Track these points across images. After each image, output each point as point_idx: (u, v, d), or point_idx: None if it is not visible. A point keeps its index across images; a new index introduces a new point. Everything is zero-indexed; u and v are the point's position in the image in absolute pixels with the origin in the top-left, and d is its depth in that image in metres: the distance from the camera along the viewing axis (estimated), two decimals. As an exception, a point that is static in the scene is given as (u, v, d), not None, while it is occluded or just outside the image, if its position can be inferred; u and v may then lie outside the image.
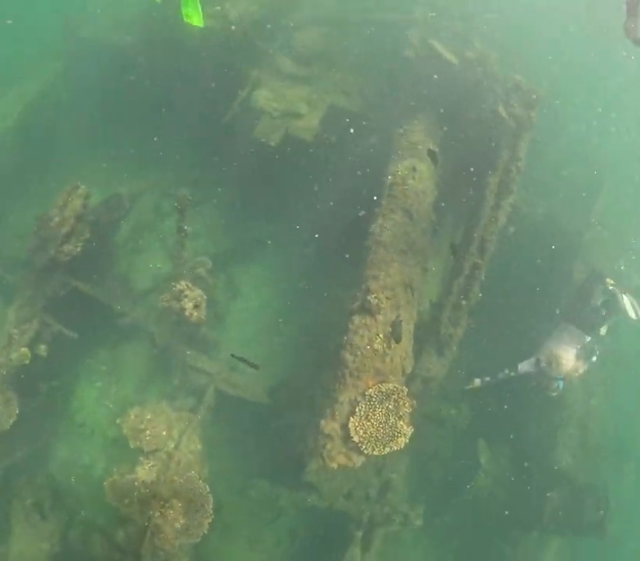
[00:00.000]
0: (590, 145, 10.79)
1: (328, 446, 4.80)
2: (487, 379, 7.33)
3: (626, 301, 7.57)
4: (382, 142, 7.57)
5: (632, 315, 7.57)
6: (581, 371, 7.40)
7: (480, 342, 8.34)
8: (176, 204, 6.31)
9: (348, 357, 5.08)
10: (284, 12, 9.07)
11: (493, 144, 6.60)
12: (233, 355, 5.33)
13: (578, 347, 7.35)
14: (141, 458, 5.76)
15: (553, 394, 7.25)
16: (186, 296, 6.39)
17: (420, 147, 6.91)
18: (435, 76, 7.17)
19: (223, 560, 7.22)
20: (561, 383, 7.19)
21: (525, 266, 8.81)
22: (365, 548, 7.14)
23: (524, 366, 7.28)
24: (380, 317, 5.40)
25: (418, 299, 6.32)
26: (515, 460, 9.01)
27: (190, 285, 6.55)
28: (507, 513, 8.75)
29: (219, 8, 7.97)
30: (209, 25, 6.93)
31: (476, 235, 6.73)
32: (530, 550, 9.44)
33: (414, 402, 5.20)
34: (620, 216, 10.64)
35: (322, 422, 4.81)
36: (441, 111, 7.34)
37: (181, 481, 5.45)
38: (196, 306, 6.45)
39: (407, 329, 5.70)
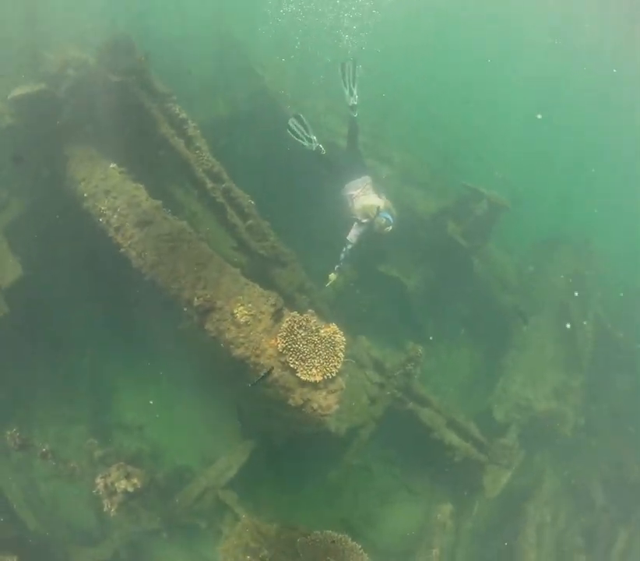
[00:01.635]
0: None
1: (315, 406, 4.95)
2: (337, 266, 7.46)
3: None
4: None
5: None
6: (388, 200, 7.78)
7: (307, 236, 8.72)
8: (15, 448, 6.03)
9: (239, 351, 5.12)
10: None
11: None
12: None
13: (369, 189, 7.69)
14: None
15: (389, 228, 7.45)
16: (113, 483, 5.96)
17: (97, 171, 6.71)
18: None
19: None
20: (388, 217, 7.43)
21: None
22: (426, 404, 7.85)
23: (351, 234, 7.46)
24: (218, 302, 5.39)
25: (223, 258, 6.24)
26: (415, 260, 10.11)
27: (103, 474, 6.09)
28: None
29: None
30: None
31: (200, 173, 6.75)
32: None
33: (309, 310, 5.38)
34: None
35: (290, 402, 4.94)
36: (85, 129, 7.09)
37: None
38: (128, 476, 6.06)
39: (242, 282, 5.72)
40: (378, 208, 7.37)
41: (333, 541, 5.29)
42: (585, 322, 10.63)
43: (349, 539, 5.32)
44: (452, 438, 7.75)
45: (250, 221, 7.04)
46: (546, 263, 12.13)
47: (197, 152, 6.87)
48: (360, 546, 5.28)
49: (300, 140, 7.62)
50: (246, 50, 10.98)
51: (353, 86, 7.66)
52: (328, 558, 5.17)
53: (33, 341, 7.30)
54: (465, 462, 7.85)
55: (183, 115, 6.97)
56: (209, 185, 6.80)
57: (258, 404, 6.14)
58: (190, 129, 7.00)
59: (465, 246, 9.87)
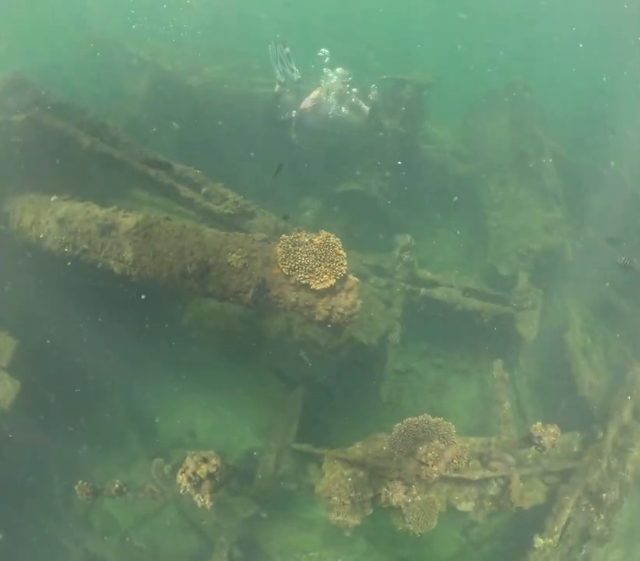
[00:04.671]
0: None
1: (341, 309, 5.06)
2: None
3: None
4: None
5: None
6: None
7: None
8: (88, 498, 6.12)
9: (250, 295, 5.22)
10: None
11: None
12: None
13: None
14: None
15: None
16: (194, 473, 5.71)
17: (42, 210, 6.70)
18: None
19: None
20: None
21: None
22: (436, 284, 8.33)
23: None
24: (211, 259, 5.47)
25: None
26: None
27: (181, 470, 5.84)
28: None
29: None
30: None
31: (138, 165, 6.92)
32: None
33: (295, 228, 5.26)
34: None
35: (317, 317, 5.10)
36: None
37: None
38: (205, 461, 5.81)
39: (223, 235, 5.82)
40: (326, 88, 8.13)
41: (417, 425, 5.31)
42: (544, 160, 10.93)
43: (430, 416, 5.33)
44: (474, 303, 8.24)
45: (204, 189, 7.23)
46: (486, 123, 12.30)
47: (128, 148, 6.98)
48: (442, 418, 5.32)
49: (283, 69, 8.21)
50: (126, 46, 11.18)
51: (290, 62, 8.23)
52: (422, 440, 5.16)
53: (60, 405, 7.20)
54: (495, 320, 8.30)
55: (99, 120, 7.04)
56: (152, 172, 6.94)
57: (290, 353, 6.41)
58: (111, 130, 7.07)
59: (407, 133, 10.15)
